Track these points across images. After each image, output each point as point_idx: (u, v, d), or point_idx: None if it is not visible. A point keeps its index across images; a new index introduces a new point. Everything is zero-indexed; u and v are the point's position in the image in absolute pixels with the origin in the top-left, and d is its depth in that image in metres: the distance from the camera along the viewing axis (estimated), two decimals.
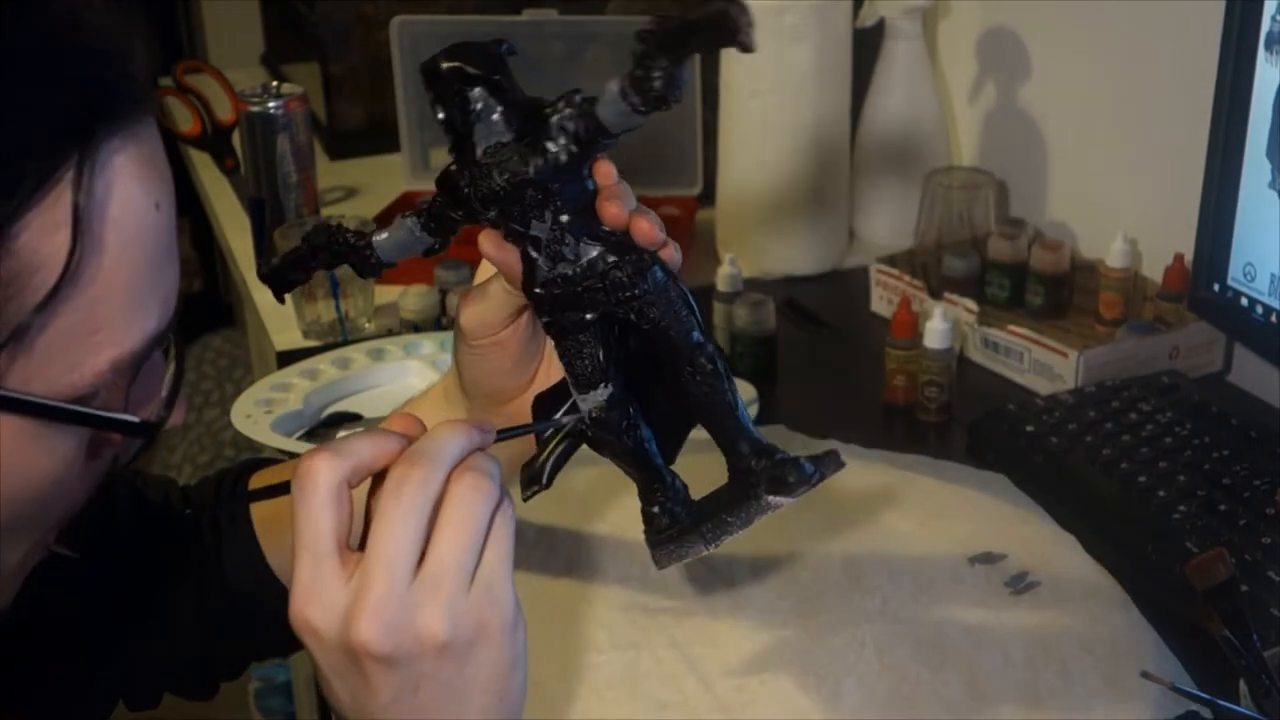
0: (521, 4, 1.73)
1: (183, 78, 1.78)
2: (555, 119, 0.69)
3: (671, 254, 0.72)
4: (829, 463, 0.77)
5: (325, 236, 0.76)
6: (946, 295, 1.39)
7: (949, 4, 1.70)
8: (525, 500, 0.75)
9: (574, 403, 0.76)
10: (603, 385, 0.74)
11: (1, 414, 0.55)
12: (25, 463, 0.57)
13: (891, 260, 1.48)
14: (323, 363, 1.33)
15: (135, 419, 0.59)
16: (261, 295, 1.57)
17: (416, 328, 1.43)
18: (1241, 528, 1.01)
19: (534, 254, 0.72)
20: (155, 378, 0.62)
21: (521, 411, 0.77)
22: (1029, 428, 1.17)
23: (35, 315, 0.53)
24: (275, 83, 1.56)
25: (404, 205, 1.72)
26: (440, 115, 0.70)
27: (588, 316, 0.72)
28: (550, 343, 0.76)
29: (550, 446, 0.78)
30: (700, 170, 1.69)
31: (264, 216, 1.55)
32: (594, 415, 0.75)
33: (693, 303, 0.75)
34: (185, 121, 1.78)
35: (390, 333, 1.45)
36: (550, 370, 0.80)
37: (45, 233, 0.53)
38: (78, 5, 0.56)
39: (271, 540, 0.90)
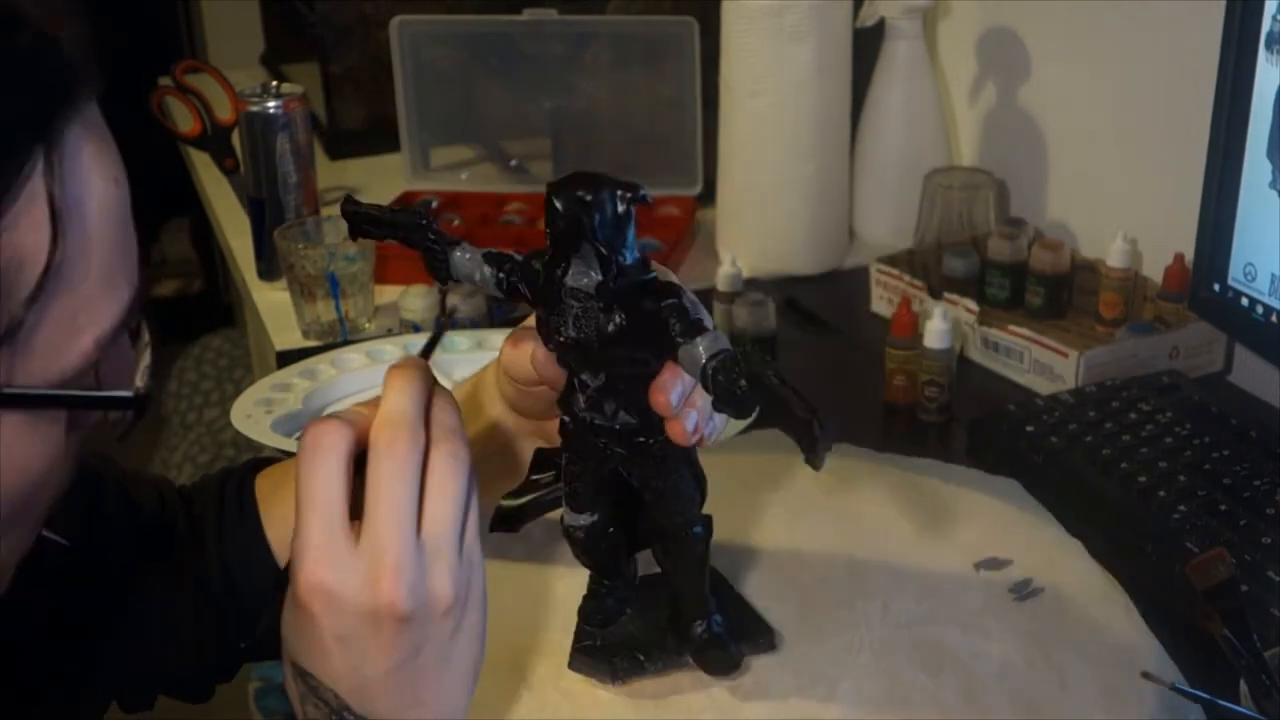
0: (521, 4, 1.73)
1: (183, 78, 1.78)
2: (663, 310, 0.70)
3: (705, 443, 0.74)
4: (760, 644, 0.89)
5: (415, 222, 0.76)
6: (946, 295, 1.39)
7: (949, 4, 1.70)
8: (490, 532, 0.81)
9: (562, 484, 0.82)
10: (588, 514, 0.80)
11: (5, 411, 0.55)
12: (25, 455, 0.56)
13: (891, 260, 1.48)
14: (323, 363, 1.33)
15: (128, 393, 0.59)
16: (261, 295, 1.57)
17: (416, 328, 1.43)
18: (1241, 528, 1.01)
19: (576, 390, 0.75)
20: (121, 353, 0.62)
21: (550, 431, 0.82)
22: (1029, 428, 1.17)
23: (27, 310, 0.53)
24: (275, 83, 1.56)
25: (404, 205, 1.72)
26: (559, 225, 0.70)
27: (595, 467, 0.77)
28: None
29: (530, 498, 0.83)
30: (700, 170, 1.69)
31: (264, 216, 1.55)
32: (572, 531, 0.81)
33: (704, 485, 0.81)
34: (185, 121, 1.78)
35: (390, 333, 1.45)
36: None
37: (26, 228, 0.53)
38: None
39: (272, 510, 0.90)
